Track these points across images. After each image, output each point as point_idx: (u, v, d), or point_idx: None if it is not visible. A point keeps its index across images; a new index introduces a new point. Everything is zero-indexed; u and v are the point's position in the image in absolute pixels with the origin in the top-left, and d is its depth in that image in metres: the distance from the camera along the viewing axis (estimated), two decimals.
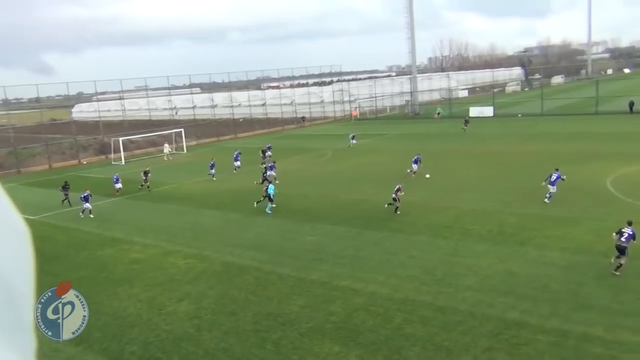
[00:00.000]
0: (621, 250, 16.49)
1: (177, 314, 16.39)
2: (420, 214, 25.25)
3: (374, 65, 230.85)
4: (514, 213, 23.98)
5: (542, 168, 32.75)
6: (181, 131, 58.20)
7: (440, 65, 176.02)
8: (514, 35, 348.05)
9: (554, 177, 24.93)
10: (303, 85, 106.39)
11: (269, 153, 43.70)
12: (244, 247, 22.54)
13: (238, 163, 40.27)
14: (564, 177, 25.15)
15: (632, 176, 29.18)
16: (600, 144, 40.06)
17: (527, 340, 13.10)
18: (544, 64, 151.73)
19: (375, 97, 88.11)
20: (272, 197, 27.69)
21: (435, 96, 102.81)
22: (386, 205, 25.98)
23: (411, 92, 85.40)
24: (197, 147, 60.95)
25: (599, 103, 62.63)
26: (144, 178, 36.22)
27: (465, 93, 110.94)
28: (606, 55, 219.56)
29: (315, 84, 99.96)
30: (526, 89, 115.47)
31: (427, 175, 32.49)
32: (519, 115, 66.24)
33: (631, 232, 16.52)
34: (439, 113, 72.81)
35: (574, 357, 12.28)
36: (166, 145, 55.04)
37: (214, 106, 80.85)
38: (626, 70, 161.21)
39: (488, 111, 69.64)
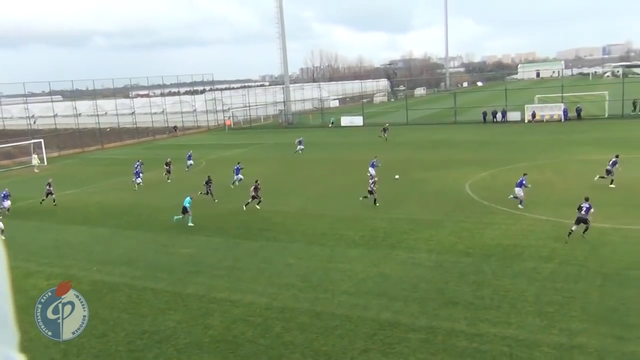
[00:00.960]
0: (583, 221, 19.79)
1: (41, 340, 15.13)
2: (296, 222, 25.61)
3: (247, 75, 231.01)
4: (384, 218, 25.09)
5: (409, 174, 34.65)
6: (40, 142, 54.09)
7: (312, 76, 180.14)
8: (380, 48, 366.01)
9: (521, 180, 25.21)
10: (174, 94, 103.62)
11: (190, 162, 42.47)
12: (113, 263, 21.40)
13: (139, 179, 37.01)
14: (529, 185, 25.38)
15: (487, 180, 31.81)
16: (459, 152, 43.27)
17: (400, 339, 13.75)
18: (408, 77, 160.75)
19: (249, 106, 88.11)
20: (186, 208, 25.88)
21: (308, 106, 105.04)
22: (361, 198, 27.46)
23: (284, 102, 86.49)
24: (60, 159, 56.98)
25: (457, 113, 67.66)
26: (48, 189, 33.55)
27: (336, 103, 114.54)
28: (462, 69, 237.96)
29: (187, 93, 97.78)
30: (392, 100, 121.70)
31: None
32: (387, 124, 69.58)
33: (588, 206, 19.94)
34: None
35: (442, 352, 13.08)
36: (34, 156, 50.91)
37: (77, 115, 76.11)
38: (479, 84, 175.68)
39: (358, 120, 72.38)
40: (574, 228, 19.87)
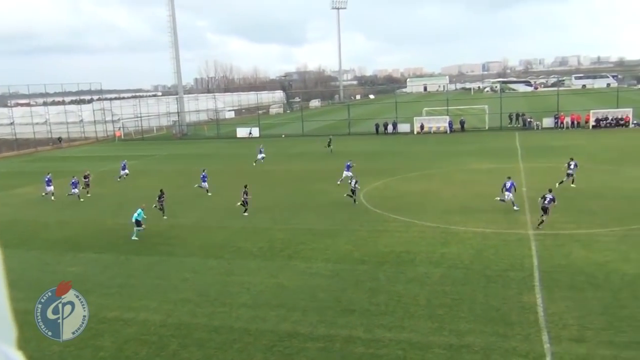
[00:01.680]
0: (545, 210, 22.37)
1: None
2: (193, 235, 25.02)
3: (138, 84, 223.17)
4: (282, 229, 25.16)
5: (306, 185, 35.04)
6: None
7: (207, 87, 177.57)
8: (275, 60, 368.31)
9: (508, 184, 26.13)
10: (59, 103, 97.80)
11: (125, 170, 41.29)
12: None
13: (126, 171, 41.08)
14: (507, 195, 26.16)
15: (380, 190, 32.91)
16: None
17: (299, 349, 13.81)
18: (303, 89, 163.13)
19: (141, 117, 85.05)
20: (139, 221, 24.34)
21: (203, 117, 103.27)
22: (345, 195, 29.12)
23: (178, 113, 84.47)
24: None
25: (351, 125, 69.52)
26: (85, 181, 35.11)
27: (232, 114, 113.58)
28: (354, 82, 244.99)
29: (73, 102, 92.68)
30: (288, 111, 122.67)
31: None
32: (283, 135, 70.17)
33: (551, 197, 22.41)
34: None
35: (340, 359, 13.30)
36: None
37: None
38: (371, 96, 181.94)
39: (254, 132, 72.23)
40: (544, 218, 22.41)
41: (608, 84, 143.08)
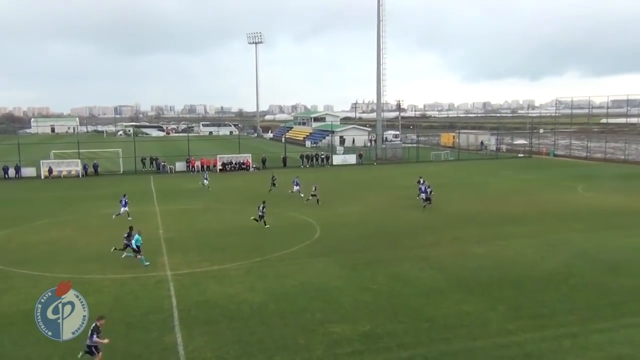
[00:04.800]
0: (429, 200, 34.21)
1: None
2: None
3: None
4: None
5: None
6: None
7: None
8: None
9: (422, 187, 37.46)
10: None
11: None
12: None
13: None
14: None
15: (1, 242, 29.00)
16: None
17: None
18: None
19: None
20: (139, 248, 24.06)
21: None
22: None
23: None
24: None
25: None
26: None
27: None
28: None
29: None
30: None
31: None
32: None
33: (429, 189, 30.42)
34: None
35: None
36: None
37: None
38: None
39: None
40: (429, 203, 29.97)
41: (231, 132, 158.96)
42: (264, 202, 32.49)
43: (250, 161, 66.76)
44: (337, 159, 73.94)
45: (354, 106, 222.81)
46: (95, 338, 13.26)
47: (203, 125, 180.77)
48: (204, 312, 18.56)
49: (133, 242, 24.46)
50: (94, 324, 13.39)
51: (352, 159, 74.29)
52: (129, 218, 33.20)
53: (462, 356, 15.16)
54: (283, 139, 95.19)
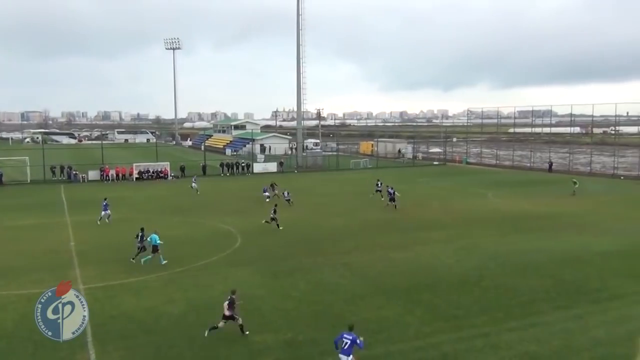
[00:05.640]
0: (393, 200, 36.79)
1: None
2: None
3: None
4: None
5: None
6: None
7: None
8: None
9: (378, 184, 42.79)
10: None
11: None
12: None
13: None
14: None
15: None
16: None
17: None
18: None
19: None
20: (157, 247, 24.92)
21: None
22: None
23: None
24: None
25: None
26: None
27: None
28: None
29: None
30: None
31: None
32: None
33: (392, 191, 34.20)
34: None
35: None
36: None
37: None
38: None
39: None
40: (395, 204, 28.48)
41: (148, 139, 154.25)
42: (275, 206, 36.04)
43: (169, 169, 65.10)
44: (257, 167, 73.62)
45: (275, 114, 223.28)
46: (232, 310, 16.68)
47: (118, 132, 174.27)
48: (119, 326, 17.85)
49: (150, 241, 25.05)
50: (230, 297, 16.90)
51: (272, 167, 74.20)
52: (107, 221, 35.24)
53: None
54: (202, 146, 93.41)
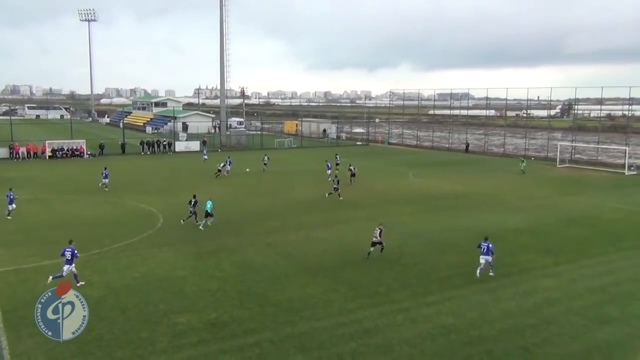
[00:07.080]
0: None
1: None
2: None
3: None
4: None
5: None
6: None
7: None
8: None
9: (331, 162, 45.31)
10: None
11: None
12: None
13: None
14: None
15: None
16: None
17: None
18: None
19: None
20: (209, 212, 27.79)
21: None
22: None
23: None
24: None
25: None
26: None
27: None
28: None
29: None
30: None
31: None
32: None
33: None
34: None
35: None
36: None
37: None
38: None
39: None
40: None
41: (62, 116, 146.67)
42: (337, 176, 40.93)
43: (85, 147, 62.30)
44: (179, 146, 71.92)
45: (197, 92, 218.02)
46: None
47: (29, 107, 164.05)
48: (33, 311, 17.03)
49: (205, 206, 27.78)
50: (378, 229, 23.53)
51: (195, 145, 72.74)
52: (106, 189, 38.61)
53: (306, 337, 15.70)
54: (121, 124, 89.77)
